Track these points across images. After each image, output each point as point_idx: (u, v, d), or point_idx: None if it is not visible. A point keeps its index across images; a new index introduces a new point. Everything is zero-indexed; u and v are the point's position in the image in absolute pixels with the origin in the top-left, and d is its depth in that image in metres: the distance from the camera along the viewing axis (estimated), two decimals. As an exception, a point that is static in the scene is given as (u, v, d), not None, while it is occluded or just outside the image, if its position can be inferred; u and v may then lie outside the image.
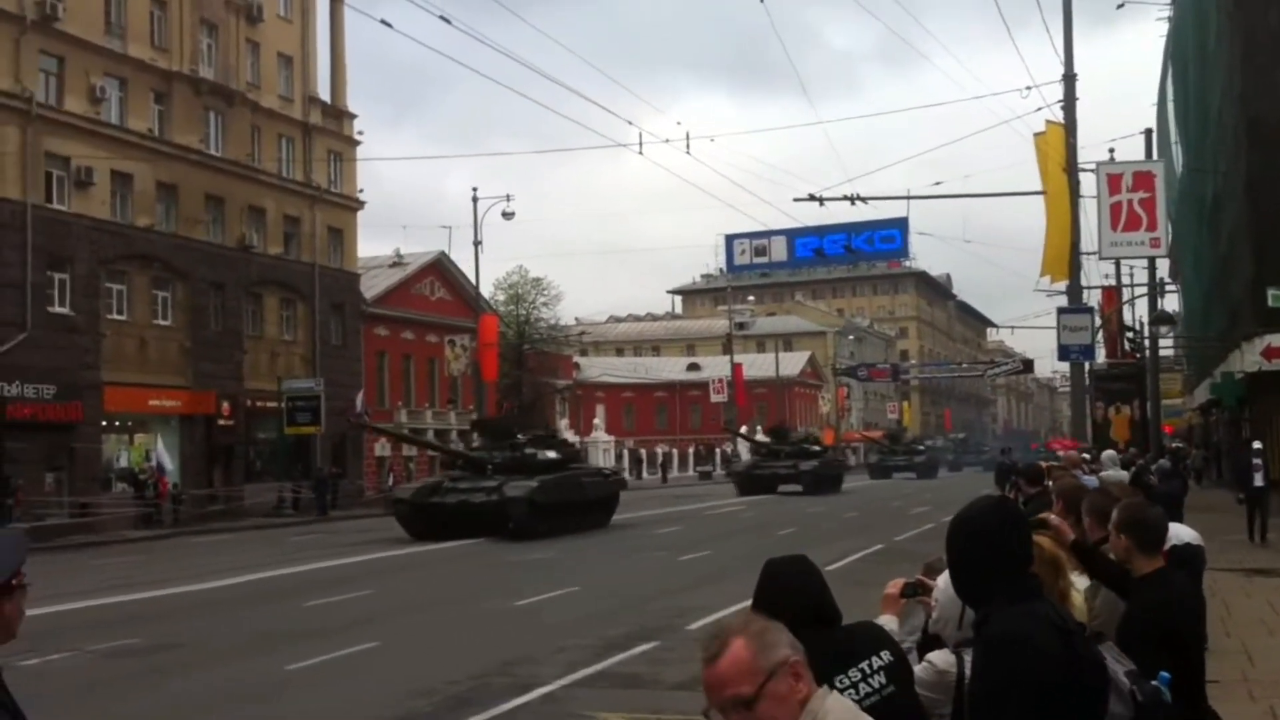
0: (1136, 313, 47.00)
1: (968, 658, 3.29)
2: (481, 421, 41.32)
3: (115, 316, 40.65)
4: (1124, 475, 13.28)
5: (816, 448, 57.44)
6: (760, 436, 64.34)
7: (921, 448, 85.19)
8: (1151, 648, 3.84)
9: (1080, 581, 4.79)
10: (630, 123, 25.28)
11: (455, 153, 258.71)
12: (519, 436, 34.49)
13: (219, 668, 13.15)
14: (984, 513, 3.20)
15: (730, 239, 38.69)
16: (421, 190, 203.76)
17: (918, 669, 3.64)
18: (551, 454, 33.69)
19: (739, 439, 69.42)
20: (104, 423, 39.95)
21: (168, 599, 19.39)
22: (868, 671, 3.37)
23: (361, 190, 54.62)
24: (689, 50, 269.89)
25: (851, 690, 3.28)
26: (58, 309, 38.08)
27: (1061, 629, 2.99)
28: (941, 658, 3.62)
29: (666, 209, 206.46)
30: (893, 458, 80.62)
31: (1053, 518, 5.17)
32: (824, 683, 2.61)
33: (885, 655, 3.44)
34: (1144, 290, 42.46)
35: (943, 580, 3.62)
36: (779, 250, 37.40)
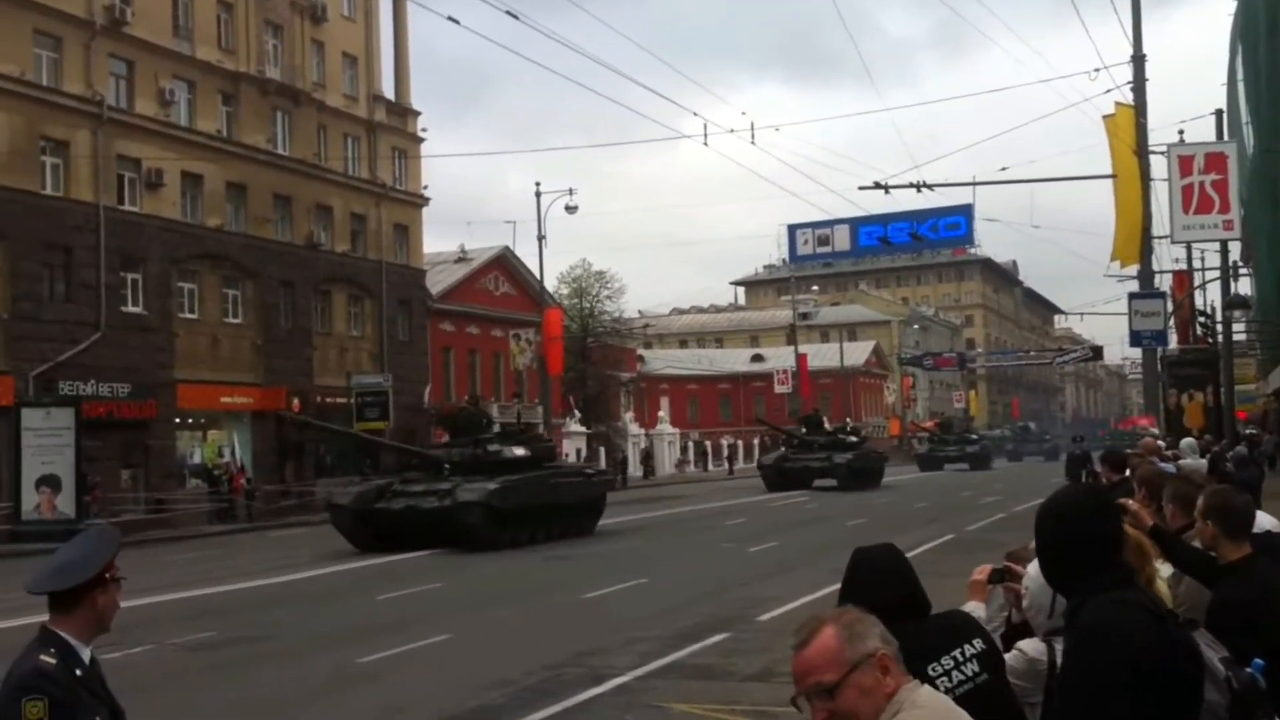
0: (1208, 297, 46.29)
1: (1058, 646, 3.27)
2: (448, 414, 35.75)
3: (187, 315, 41.29)
4: (1203, 463, 13.08)
5: (853, 438, 52.87)
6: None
7: (975, 436, 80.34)
8: (1243, 635, 3.79)
9: (1164, 569, 4.74)
10: (695, 114, 25.28)
11: (515, 148, 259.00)
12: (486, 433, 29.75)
13: (294, 660, 13.34)
14: (1077, 498, 3.18)
15: (793, 229, 38.43)
16: (481, 185, 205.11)
17: (1008, 657, 3.62)
18: (519, 451, 28.84)
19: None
20: (177, 420, 40.61)
21: (244, 593, 19.68)
22: (960, 659, 3.35)
23: (426, 187, 55.08)
24: (741, 41, 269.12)
25: (944, 678, 3.27)
26: (131, 309, 38.74)
27: (1156, 616, 2.96)
28: (1032, 645, 3.60)
29: (727, 199, 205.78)
30: (944, 448, 75.24)
31: (1131, 503, 5.11)
32: (916, 672, 2.60)
33: (977, 643, 3.42)
34: (1216, 274, 41.78)
35: (1033, 568, 3.60)
36: (842, 239, 37.08)
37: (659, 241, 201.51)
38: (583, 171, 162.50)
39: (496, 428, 32.42)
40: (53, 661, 3.46)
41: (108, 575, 3.60)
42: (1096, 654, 2.88)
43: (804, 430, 53.29)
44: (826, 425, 54.85)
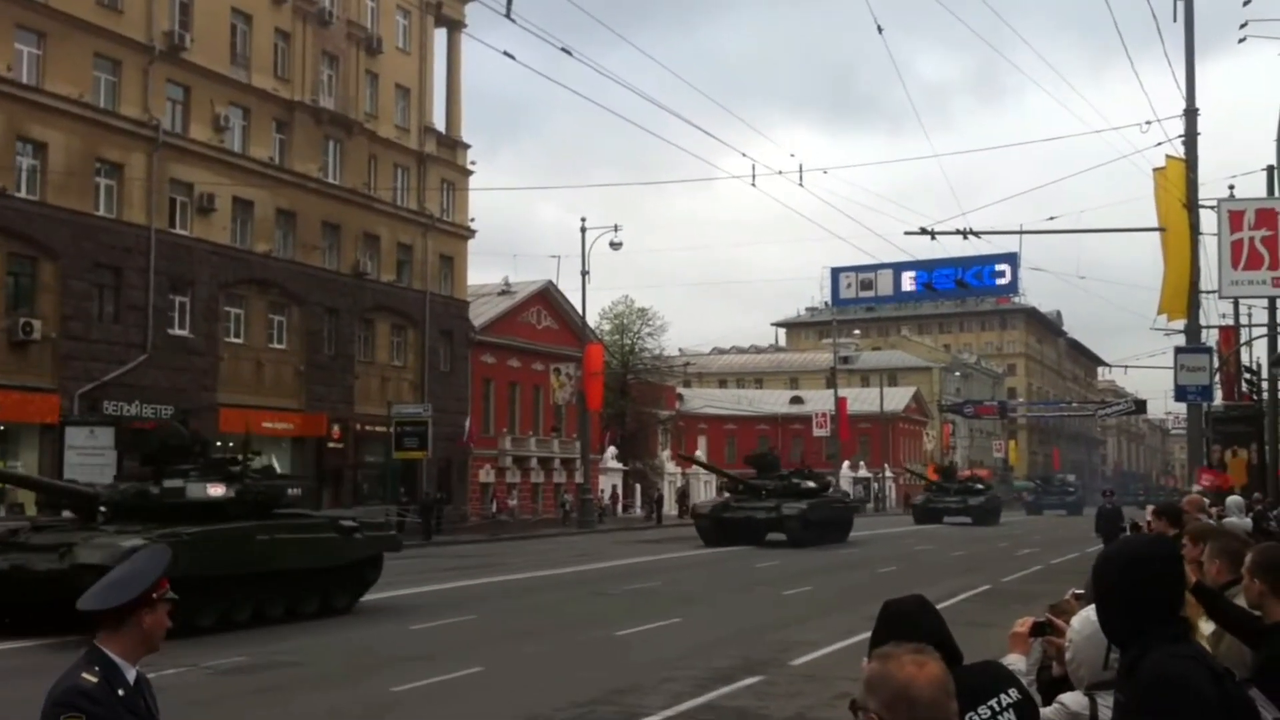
0: (1254, 354, 45.74)
1: (1101, 700, 3.24)
2: (155, 430, 25.90)
3: (232, 339, 41.69)
4: (1247, 522, 12.90)
5: (811, 484, 43.61)
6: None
7: (980, 486, 70.04)
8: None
9: (1205, 627, 4.68)
10: (744, 154, 25.34)
11: (548, 182, 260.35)
12: None
13: (327, 688, 13.37)
14: (1144, 547, 3.16)
15: (836, 271, 38.32)
16: (512, 217, 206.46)
17: (1047, 711, 3.58)
18: (217, 491, 20.03)
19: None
20: (219, 443, 40.81)
21: (277, 618, 19.70)
22: (997, 709, 3.32)
23: (473, 219, 55.46)
24: (777, 83, 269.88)
25: None
26: (178, 331, 39.14)
27: (1214, 672, 2.94)
28: (1074, 699, 3.57)
29: (770, 239, 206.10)
30: (943, 498, 65.48)
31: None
32: None
33: (1013, 693, 3.39)
34: (1263, 331, 41.31)
35: (1078, 621, 3.57)
36: (885, 284, 36.92)
37: (700, 279, 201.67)
38: (622, 206, 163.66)
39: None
40: (93, 680, 3.49)
41: (155, 595, 3.62)
42: (1162, 708, 2.85)
43: (756, 473, 44.92)
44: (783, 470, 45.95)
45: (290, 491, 22.68)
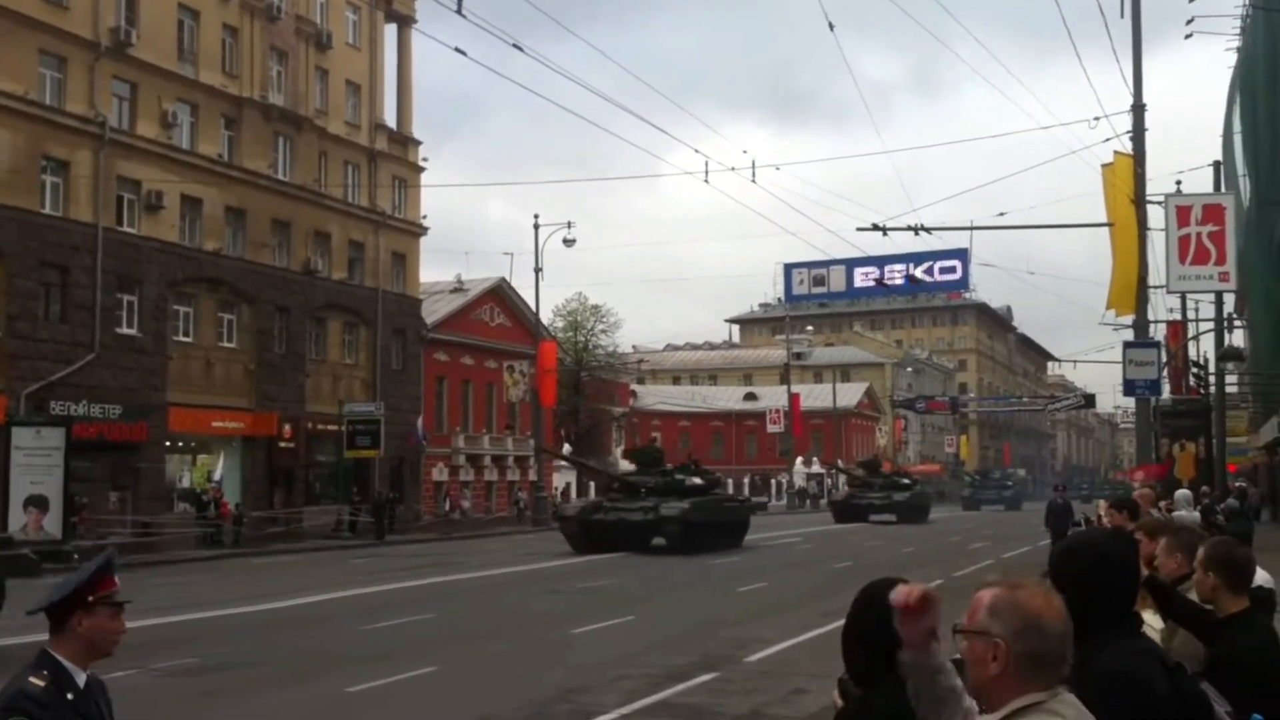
0: (1201, 348, 46.35)
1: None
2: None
3: (182, 338, 41.27)
4: (1196, 516, 13.05)
5: (697, 480, 37.78)
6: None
7: (907, 481, 65.34)
8: (1244, 688, 3.76)
9: (1154, 621, 4.69)
10: (696, 150, 25.30)
11: (495, 179, 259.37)
12: None
13: (279, 689, 13.24)
14: (1106, 542, 3.16)
15: (789, 268, 38.48)
16: (461, 215, 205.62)
17: None
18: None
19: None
20: (168, 443, 40.47)
21: (228, 619, 19.55)
22: None
23: (425, 216, 55.18)
24: (722, 82, 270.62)
25: None
26: (126, 330, 38.70)
27: (1167, 667, 2.94)
28: None
29: (720, 238, 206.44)
30: (866, 494, 60.17)
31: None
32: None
33: None
34: (1210, 325, 41.89)
35: None
36: (838, 280, 37.11)
37: (651, 276, 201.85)
38: (571, 204, 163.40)
39: None
40: (41, 684, 3.44)
41: (90, 598, 3.56)
42: (1119, 702, 2.85)
43: (636, 467, 40.17)
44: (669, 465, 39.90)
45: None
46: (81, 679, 3.54)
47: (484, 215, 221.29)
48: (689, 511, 34.83)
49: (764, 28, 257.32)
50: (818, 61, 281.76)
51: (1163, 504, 13.03)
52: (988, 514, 74.56)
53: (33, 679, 3.45)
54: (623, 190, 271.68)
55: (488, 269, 62.59)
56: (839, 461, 78.11)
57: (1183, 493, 16.59)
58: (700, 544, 34.15)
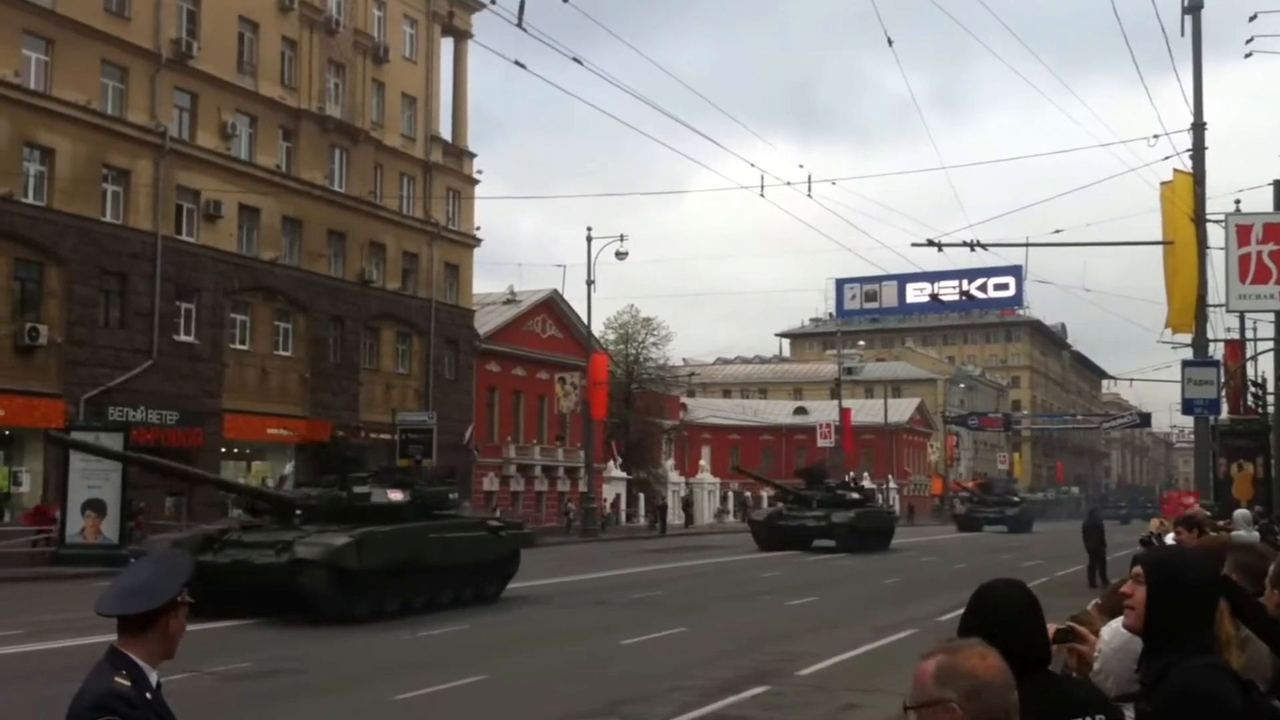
0: (1260, 368, 45.70)
1: (1128, 713, 3.19)
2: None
3: (238, 346, 41.74)
4: (1255, 536, 12.84)
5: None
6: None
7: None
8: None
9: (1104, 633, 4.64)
10: (752, 165, 25.14)
11: (527, 192, 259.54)
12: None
13: (329, 694, 13.33)
14: (1196, 560, 3.13)
15: (841, 283, 38.34)
16: (499, 229, 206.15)
17: None
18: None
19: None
20: (223, 449, 40.90)
21: (281, 624, 19.67)
22: None
23: (479, 228, 55.50)
24: (751, 95, 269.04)
25: None
26: (183, 338, 39.18)
27: (1241, 684, 2.91)
28: None
29: (770, 253, 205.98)
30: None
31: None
32: None
33: (1100, 718, 3.07)
34: (1269, 345, 41.25)
35: (1108, 632, 3.53)
36: (890, 296, 36.94)
37: (704, 290, 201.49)
38: (608, 219, 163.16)
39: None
40: (127, 684, 3.46)
41: (179, 599, 3.60)
42: (1196, 718, 2.82)
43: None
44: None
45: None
46: (154, 678, 3.57)
47: (515, 228, 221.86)
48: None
49: (804, 40, 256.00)
50: (866, 77, 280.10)
51: (1221, 524, 12.85)
52: (989, 535, 64.76)
53: (118, 679, 3.46)
54: (661, 205, 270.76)
55: (535, 281, 62.84)
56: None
57: (1241, 512, 16.34)
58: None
